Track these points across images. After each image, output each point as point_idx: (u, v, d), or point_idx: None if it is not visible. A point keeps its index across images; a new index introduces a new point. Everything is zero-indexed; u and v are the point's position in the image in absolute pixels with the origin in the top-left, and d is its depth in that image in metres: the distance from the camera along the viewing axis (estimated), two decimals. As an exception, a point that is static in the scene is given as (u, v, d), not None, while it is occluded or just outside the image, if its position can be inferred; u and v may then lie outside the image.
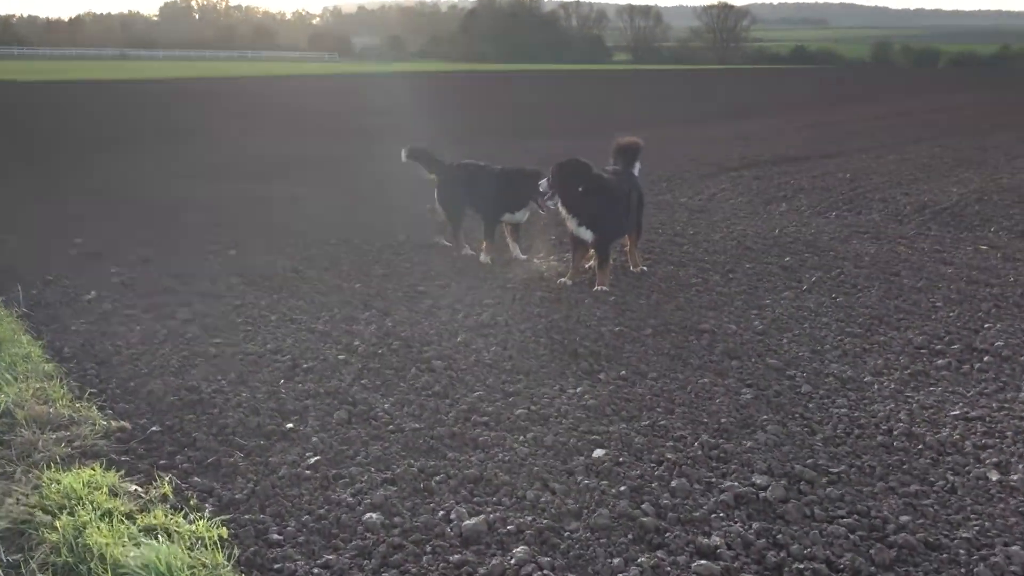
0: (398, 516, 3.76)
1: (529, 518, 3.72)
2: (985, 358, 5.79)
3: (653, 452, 4.37)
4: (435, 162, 8.99)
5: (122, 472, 4.07)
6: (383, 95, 38.55)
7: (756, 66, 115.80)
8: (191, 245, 8.89)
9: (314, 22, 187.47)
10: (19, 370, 5.26)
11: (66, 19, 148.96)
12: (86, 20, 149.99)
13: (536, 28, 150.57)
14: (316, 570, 3.39)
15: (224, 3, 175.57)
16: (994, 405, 5.04)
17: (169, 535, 3.52)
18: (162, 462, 4.25)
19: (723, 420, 4.78)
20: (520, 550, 3.47)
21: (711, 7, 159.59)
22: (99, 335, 6.19)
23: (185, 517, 3.67)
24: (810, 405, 5.05)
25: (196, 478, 4.09)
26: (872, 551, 3.52)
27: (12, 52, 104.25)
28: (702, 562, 3.41)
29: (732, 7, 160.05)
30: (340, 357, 5.70)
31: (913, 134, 20.44)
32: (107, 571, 3.26)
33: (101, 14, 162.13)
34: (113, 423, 4.64)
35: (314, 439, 4.50)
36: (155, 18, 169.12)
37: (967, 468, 4.27)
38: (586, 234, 7.42)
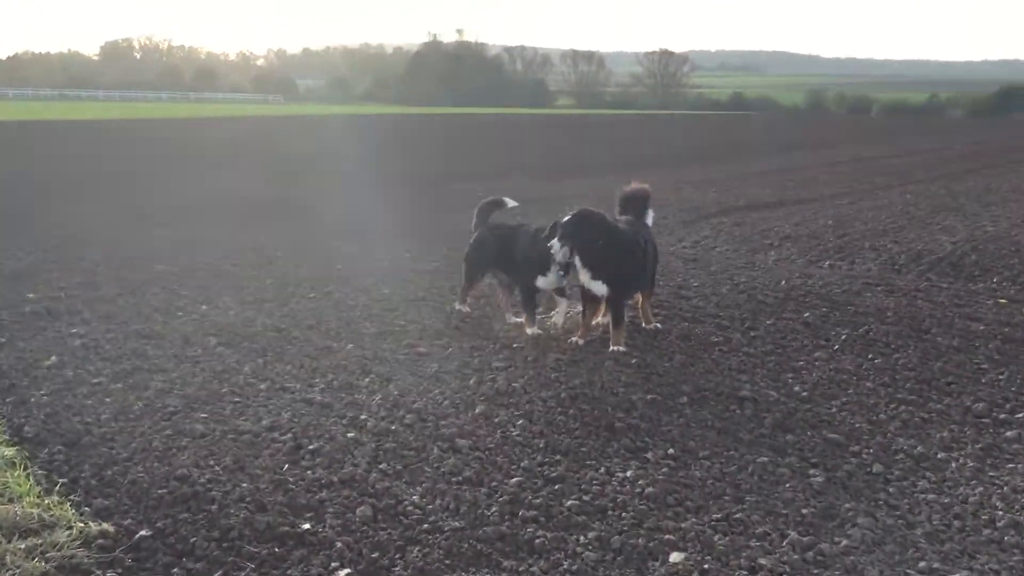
0: (462, 651, 3.08)
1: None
2: (1055, 428, 5.30)
3: (741, 555, 3.75)
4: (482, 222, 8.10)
5: (113, 596, 3.34)
6: (331, 137, 37.87)
7: (697, 112, 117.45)
8: (156, 300, 8.12)
9: (258, 63, 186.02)
10: (-26, 458, 4.49)
11: (3, 58, 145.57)
12: (24, 59, 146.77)
13: (481, 72, 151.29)
14: None
15: (167, 43, 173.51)
16: (1090, 486, 4.53)
17: None
18: (159, 579, 3.52)
19: (804, 511, 4.19)
20: None
21: (652, 53, 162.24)
22: (64, 409, 5.42)
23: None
24: (891, 489, 4.49)
25: (204, 601, 3.37)
26: None
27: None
28: None
29: (673, 53, 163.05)
30: (349, 435, 5.00)
31: (881, 180, 20.34)
32: None
33: (40, 53, 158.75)
34: (93, 525, 3.90)
35: (338, 544, 3.80)
36: (95, 58, 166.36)
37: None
38: (600, 289, 6.83)
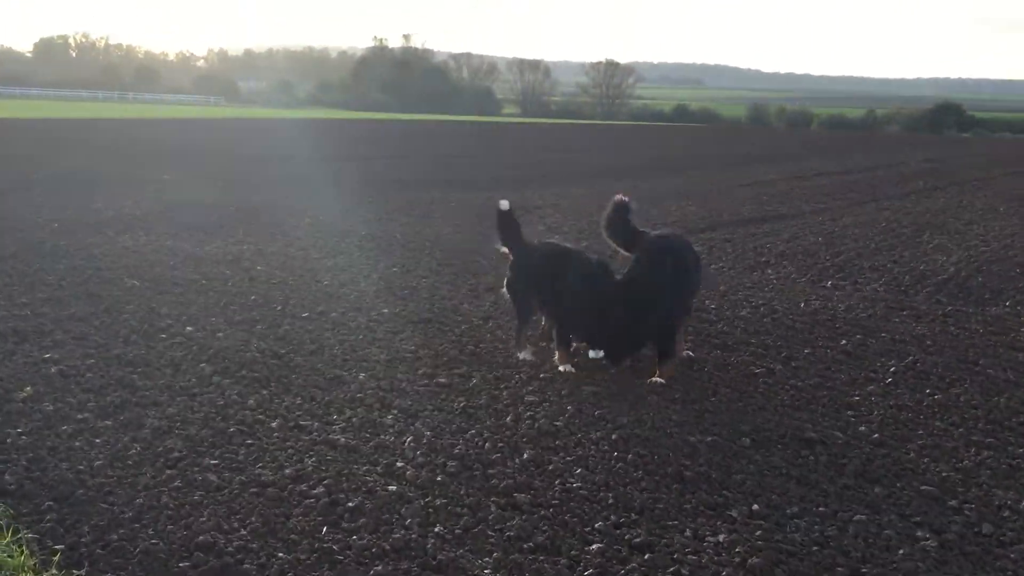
0: None
1: None
2: None
3: (890, 647, 3.21)
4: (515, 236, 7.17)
5: None
6: (282, 141, 36.87)
7: (642, 123, 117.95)
8: (134, 319, 7.36)
9: (199, 64, 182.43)
10: (-45, 522, 3.77)
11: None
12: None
13: (427, 78, 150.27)
14: None
15: (103, 41, 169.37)
16: None
17: None
18: None
19: (934, 585, 3.67)
20: None
21: (598, 64, 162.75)
22: (48, 453, 4.69)
23: None
24: (1012, 556, 3.99)
25: None
26: None
27: None
28: None
29: (618, 64, 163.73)
30: (390, 488, 4.36)
31: (854, 196, 20.16)
32: None
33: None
34: (110, 613, 3.22)
35: (412, 636, 3.18)
36: (28, 55, 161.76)
37: None
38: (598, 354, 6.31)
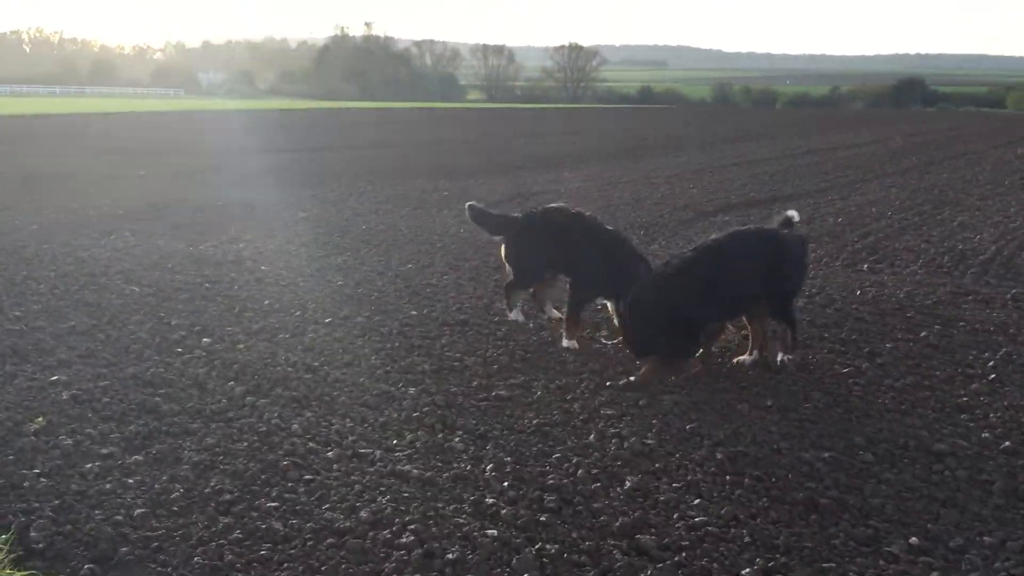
0: None
1: None
2: None
3: None
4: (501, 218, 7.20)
5: None
6: (248, 133, 35.82)
7: (609, 105, 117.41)
8: (144, 331, 6.64)
9: (156, 57, 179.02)
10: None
11: None
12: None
13: (390, 66, 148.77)
14: None
15: (58, 36, 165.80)
16: None
17: None
18: None
19: None
20: None
21: (562, 47, 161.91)
22: (77, 499, 4.01)
23: None
24: None
25: None
26: None
27: None
28: None
29: (582, 48, 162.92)
30: (489, 532, 3.72)
31: (852, 174, 19.69)
32: None
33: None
34: None
35: None
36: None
37: None
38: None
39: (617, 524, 3.81)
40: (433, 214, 13.27)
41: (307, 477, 4.27)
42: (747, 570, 3.48)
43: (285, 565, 3.48)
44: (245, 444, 4.65)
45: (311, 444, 4.67)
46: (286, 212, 13.22)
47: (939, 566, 3.54)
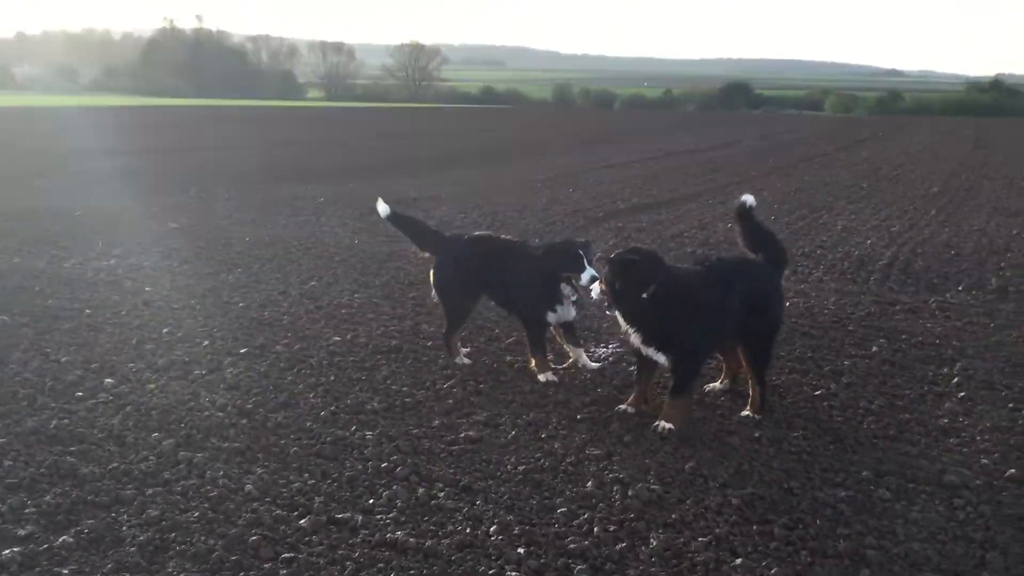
0: None
1: None
2: None
3: None
4: (428, 234, 6.61)
5: None
6: (80, 131, 33.40)
7: (455, 105, 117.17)
8: (27, 370, 5.73)
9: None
10: None
11: None
12: None
13: (223, 61, 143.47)
14: None
15: None
16: None
17: None
18: None
19: None
20: None
21: (403, 46, 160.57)
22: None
23: None
24: None
25: None
26: None
27: None
28: None
29: (423, 46, 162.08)
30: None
31: (722, 178, 19.88)
32: None
33: None
34: None
35: None
36: None
37: None
38: (656, 355, 5.24)
39: (665, 596, 3.37)
40: (317, 223, 12.48)
41: (285, 555, 3.64)
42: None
43: None
44: (196, 514, 3.95)
45: (276, 510, 4.01)
46: (153, 222, 12.15)
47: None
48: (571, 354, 6.20)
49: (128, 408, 5.17)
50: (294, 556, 3.63)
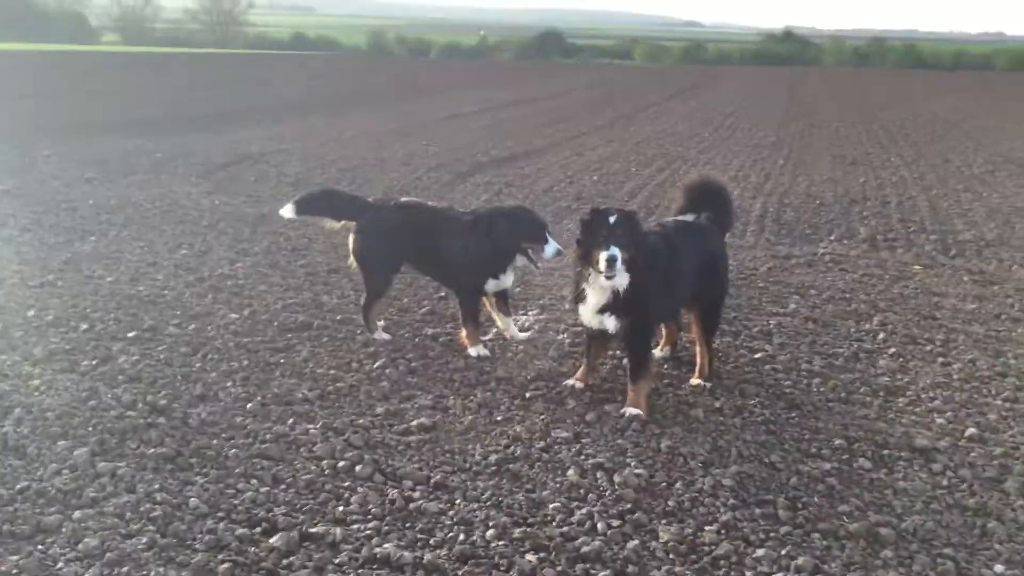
0: None
1: None
2: None
3: None
4: (347, 202, 6.02)
5: None
6: None
7: (266, 52, 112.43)
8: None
9: None
10: None
11: None
12: None
13: (7, 3, 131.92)
14: None
15: None
16: None
17: None
18: None
19: None
20: None
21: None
22: None
23: None
24: None
25: None
26: None
27: None
28: None
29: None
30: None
31: (568, 128, 19.76)
32: None
33: None
34: None
35: None
36: None
37: None
38: (609, 323, 4.96)
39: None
40: (161, 182, 11.48)
41: (269, 586, 3.16)
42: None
43: None
44: (144, 540, 3.40)
45: (236, 528, 3.51)
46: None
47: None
48: (500, 323, 5.86)
49: (17, 411, 4.44)
50: (278, 585, 3.16)
